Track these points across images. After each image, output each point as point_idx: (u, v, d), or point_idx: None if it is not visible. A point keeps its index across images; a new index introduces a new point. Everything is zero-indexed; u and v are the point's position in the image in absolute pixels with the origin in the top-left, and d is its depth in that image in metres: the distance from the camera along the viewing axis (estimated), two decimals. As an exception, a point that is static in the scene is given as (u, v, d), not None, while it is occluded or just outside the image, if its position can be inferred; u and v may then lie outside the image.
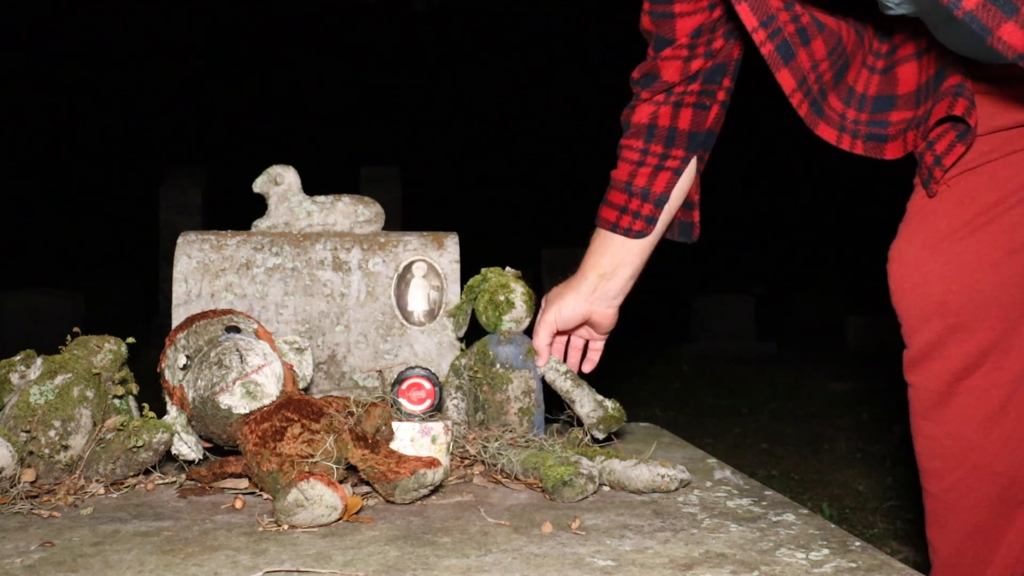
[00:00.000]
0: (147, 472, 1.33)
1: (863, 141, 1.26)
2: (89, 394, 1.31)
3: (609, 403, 1.51)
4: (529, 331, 1.57)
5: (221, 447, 1.32)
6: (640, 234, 1.50)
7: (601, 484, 1.29)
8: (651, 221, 1.49)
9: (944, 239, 1.24)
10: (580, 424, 1.52)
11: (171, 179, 8.73)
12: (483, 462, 1.39)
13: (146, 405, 1.39)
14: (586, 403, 1.51)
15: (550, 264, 9.32)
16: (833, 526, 1.09)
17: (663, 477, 1.25)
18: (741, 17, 1.19)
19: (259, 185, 1.76)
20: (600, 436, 1.48)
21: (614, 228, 1.52)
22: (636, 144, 1.47)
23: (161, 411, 1.35)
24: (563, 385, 1.53)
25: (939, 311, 1.24)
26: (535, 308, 1.57)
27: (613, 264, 1.53)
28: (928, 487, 1.31)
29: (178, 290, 1.68)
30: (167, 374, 1.33)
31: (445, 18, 13.95)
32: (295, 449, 1.17)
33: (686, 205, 1.55)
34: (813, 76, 1.22)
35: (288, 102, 16.75)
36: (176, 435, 1.30)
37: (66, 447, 1.27)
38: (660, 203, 1.48)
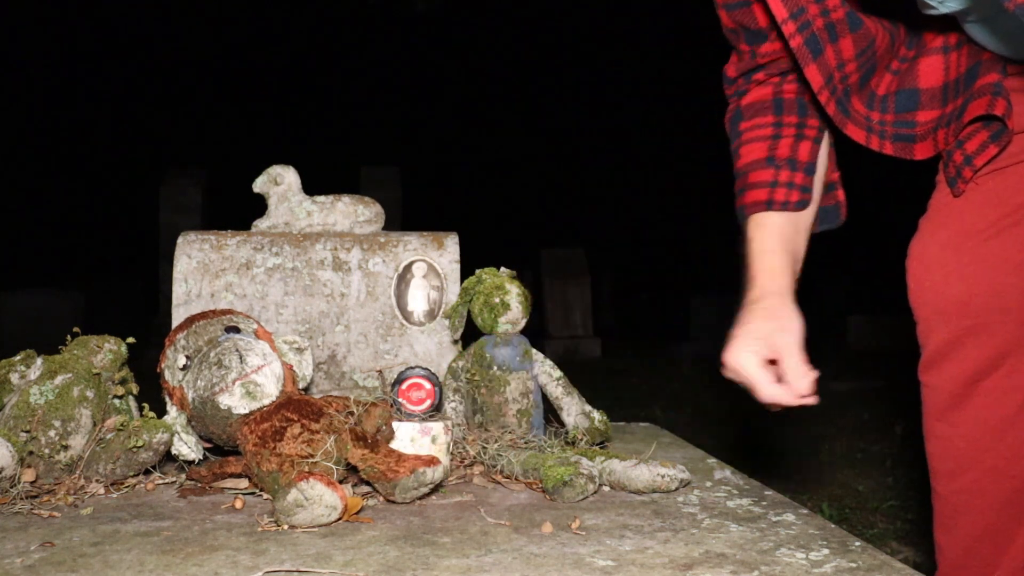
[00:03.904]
0: (147, 472, 1.33)
1: (891, 142, 1.24)
2: (89, 394, 1.31)
3: (596, 414, 1.51)
4: (525, 332, 1.56)
5: (221, 447, 1.32)
6: (801, 204, 1.28)
7: (601, 484, 1.29)
8: (806, 190, 1.29)
9: (969, 238, 1.22)
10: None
11: (171, 179, 8.74)
12: (483, 463, 1.39)
13: (146, 405, 1.39)
14: (573, 412, 1.51)
15: (550, 264, 9.32)
16: (833, 526, 1.09)
17: (663, 477, 1.25)
18: (771, 8, 1.16)
19: (259, 185, 1.76)
20: (583, 445, 1.48)
21: (770, 205, 1.28)
22: (765, 120, 1.31)
23: (161, 411, 1.35)
24: (554, 391, 1.53)
25: (960, 311, 1.22)
26: (531, 309, 1.56)
27: (787, 252, 1.28)
28: (938, 488, 1.30)
29: (178, 290, 1.68)
30: (167, 374, 1.33)
31: (445, 18, 13.96)
32: (295, 449, 1.17)
33: (827, 187, 1.39)
34: (838, 76, 1.20)
35: (288, 102, 16.75)
36: (176, 435, 1.30)
37: (66, 447, 1.27)
38: (810, 171, 1.29)
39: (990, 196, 1.23)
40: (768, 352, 1.20)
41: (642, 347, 9.78)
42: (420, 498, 1.21)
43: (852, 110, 1.23)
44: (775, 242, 1.28)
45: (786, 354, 1.19)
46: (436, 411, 1.44)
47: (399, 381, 1.44)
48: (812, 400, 1.20)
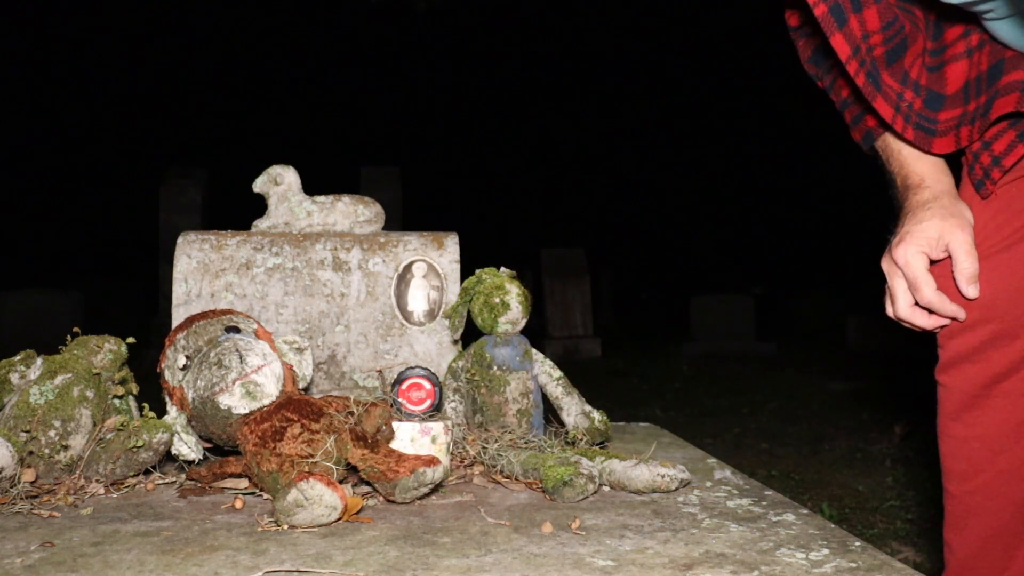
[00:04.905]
0: (147, 472, 1.33)
1: (913, 128, 1.24)
2: (89, 394, 1.31)
3: (596, 414, 1.51)
4: (525, 332, 1.56)
5: (221, 447, 1.32)
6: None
7: (601, 484, 1.29)
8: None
9: (993, 243, 1.23)
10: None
11: (171, 179, 8.73)
12: (483, 463, 1.39)
13: (146, 405, 1.39)
14: (573, 411, 1.51)
15: (550, 264, 9.32)
16: (833, 526, 1.09)
17: (663, 477, 1.25)
18: None
19: (259, 185, 1.76)
20: (583, 445, 1.48)
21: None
22: None
23: (161, 411, 1.35)
24: (554, 391, 1.53)
25: (985, 316, 1.22)
26: (530, 309, 1.56)
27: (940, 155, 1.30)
28: (951, 488, 1.29)
29: (178, 290, 1.68)
30: (167, 374, 1.33)
31: (446, 18, 13.96)
32: (295, 449, 1.17)
33: None
34: (865, 48, 1.19)
35: (288, 102, 16.75)
36: (176, 435, 1.30)
37: (66, 447, 1.27)
38: None
39: (1012, 201, 1.23)
40: (939, 253, 1.21)
41: (642, 347, 9.79)
42: (420, 498, 1.21)
43: (884, 84, 1.22)
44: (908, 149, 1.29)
45: (961, 253, 1.20)
46: (436, 411, 1.44)
47: (399, 381, 1.44)
48: (960, 315, 1.21)
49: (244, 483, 1.26)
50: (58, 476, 1.27)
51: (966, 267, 1.19)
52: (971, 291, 1.19)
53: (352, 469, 1.21)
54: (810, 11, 1.18)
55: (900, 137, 1.27)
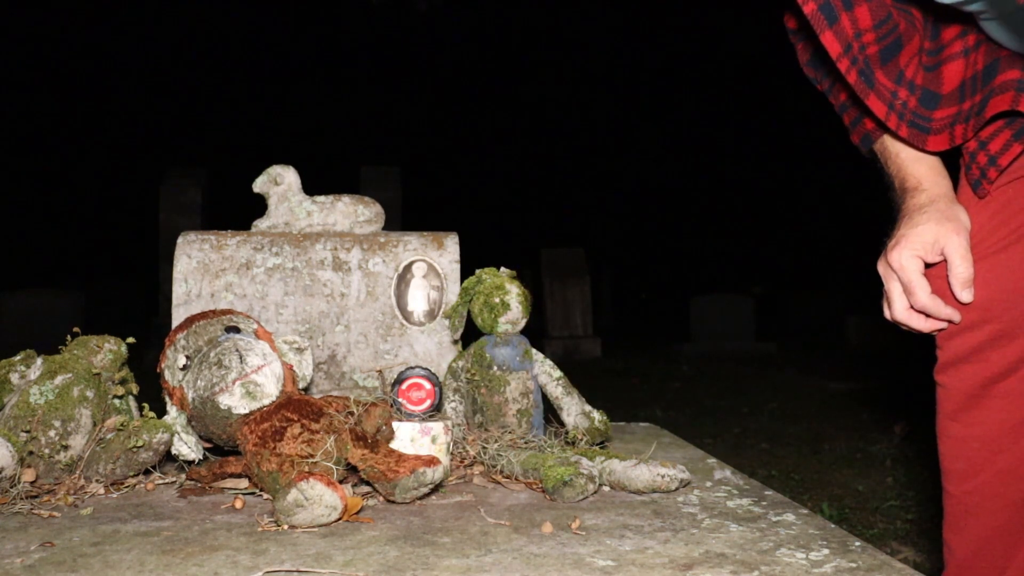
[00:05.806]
0: (147, 472, 1.33)
1: (908, 126, 1.24)
2: (89, 394, 1.31)
3: (596, 414, 1.51)
4: (525, 332, 1.56)
5: (221, 447, 1.32)
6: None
7: (601, 484, 1.29)
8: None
9: (991, 243, 1.23)
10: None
11: (171, 179, 8.73)
12: (483, 463, 1.39)
13: (146, 405, 1.39)
14: (573, 412, 1.51)
15: (550, 264, 9.33)
16: (833, 526, 1.09)
17: (663, 477, 1.25)
18: None
19: (259, 185, 1.76)
20: (583, 445, 1.48)
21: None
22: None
23: (161, 411, 1.35)
24: (554, 391, 1.53)
25: (983, 316, 1.22)
26: (530, 309, 1.56)
27: (938, 157, 1.29)
28: (950, 488, 1.30)
29: (178, 290, 1.68)
30: (167, 374, 1.33)
31: (446, 18, 13.96)
32: (295, 449, 1.17)
33: None
34: (857, 46, 1.19)
35: (288, 102, 16.75)
36: (176, 435, 1.30)
37: (66, 447, 1.27)
38: None
39: (1010, 202, 1.23)
40: (934, 257, 1.21)
41: (642, 347, 9.79)
42: (420, 498, 1.21)
43: (877, 82, 1.22)
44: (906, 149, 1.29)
45: (957, 257, 1.20)
46: (436, 411, 1.44)
47: (399, 381, 1.44)
48: (955, 318, 1.21)
49: (244, 483, 1.26)
50: (58, 476, 1.27)
51: (961, 272, 1.19)
52: (965, 296, 1.19)
53: (352, 469, 1.21)
54: (801, 11, 1.18)
55: (895, 136, 1.27)
